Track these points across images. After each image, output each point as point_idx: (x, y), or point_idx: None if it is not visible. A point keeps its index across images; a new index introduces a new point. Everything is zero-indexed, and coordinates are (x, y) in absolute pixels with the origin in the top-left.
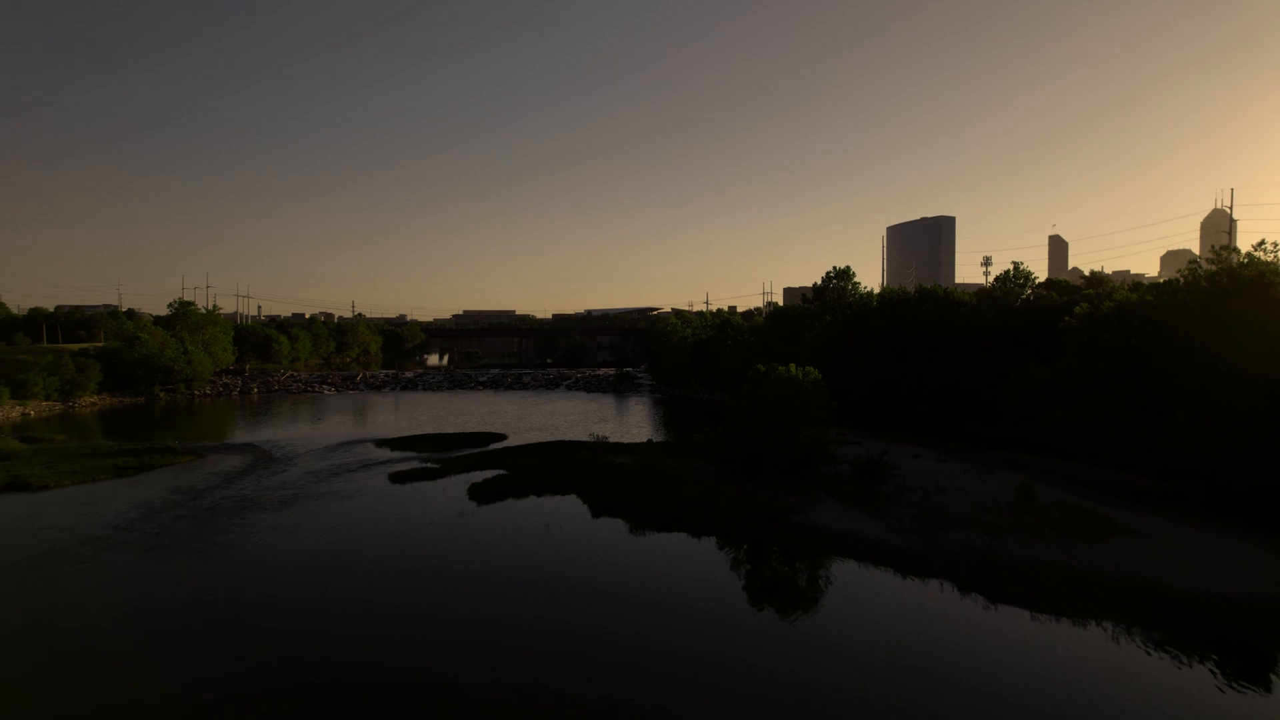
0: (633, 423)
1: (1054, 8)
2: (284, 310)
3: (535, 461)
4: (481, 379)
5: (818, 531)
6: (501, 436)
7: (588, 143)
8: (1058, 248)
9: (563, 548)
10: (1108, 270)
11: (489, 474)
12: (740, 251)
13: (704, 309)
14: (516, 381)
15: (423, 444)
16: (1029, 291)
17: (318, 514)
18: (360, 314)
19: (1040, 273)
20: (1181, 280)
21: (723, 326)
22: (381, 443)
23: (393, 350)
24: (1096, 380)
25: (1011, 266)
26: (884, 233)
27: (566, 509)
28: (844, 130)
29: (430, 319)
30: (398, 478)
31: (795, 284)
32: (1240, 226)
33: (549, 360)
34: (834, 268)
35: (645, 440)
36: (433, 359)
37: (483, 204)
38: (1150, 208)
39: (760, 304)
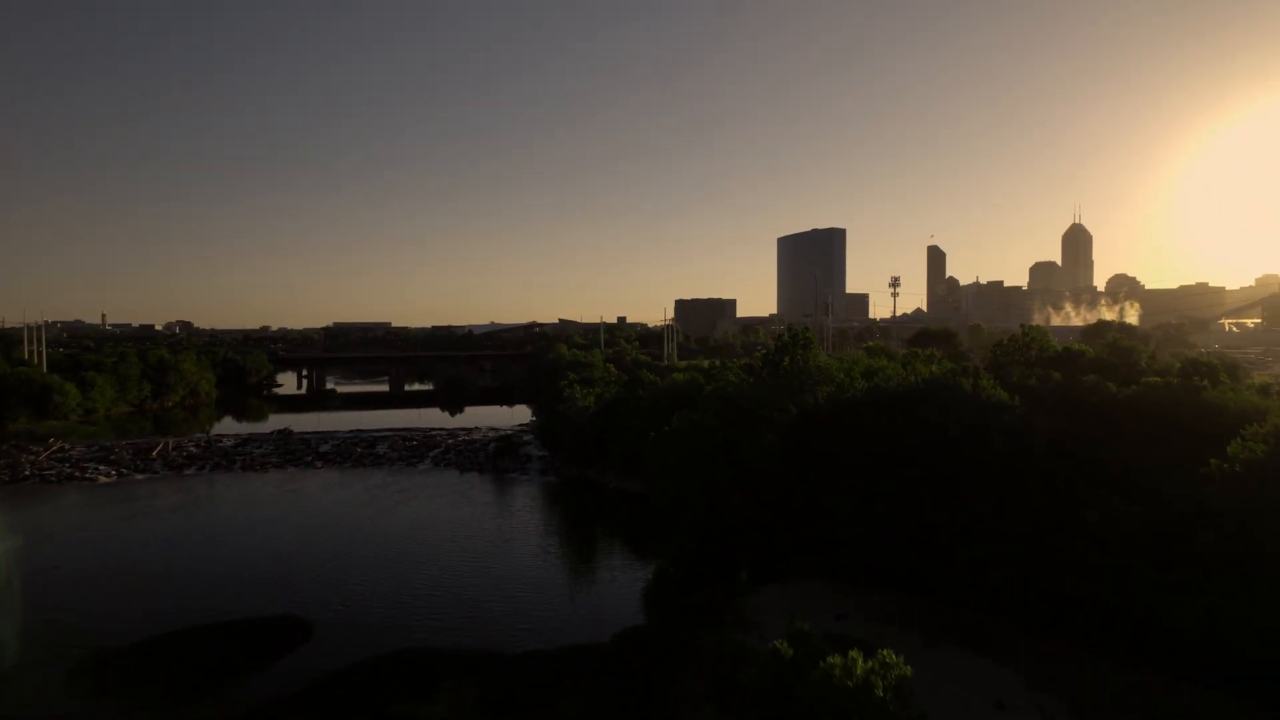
0: (519, 543)
1: (932, 32)
2: (130, 321)
3: None
4: (325, 448)
5: None
6: (299, 630)
7: (478, 148)
8: (936, 258)
9: None
10: (982, 280)
11: None
12: (633, 262)
13: (597, 321)
14: (369, 452)
15: (125, 673)
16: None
17: None
18: (187, 336)
19: (919, 283)
20: None
21: (632, 383)
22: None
23: (236, 384)
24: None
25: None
26: (775, 244)
27: None
28: (737, 141)
29: (301, 327)
30: None
31: (688, 295)
32: (1095, 240)
33: (424, 378)
34: (788, 329)
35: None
36: (290, 382)
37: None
38: (1020, 220)
39: (660, 318)
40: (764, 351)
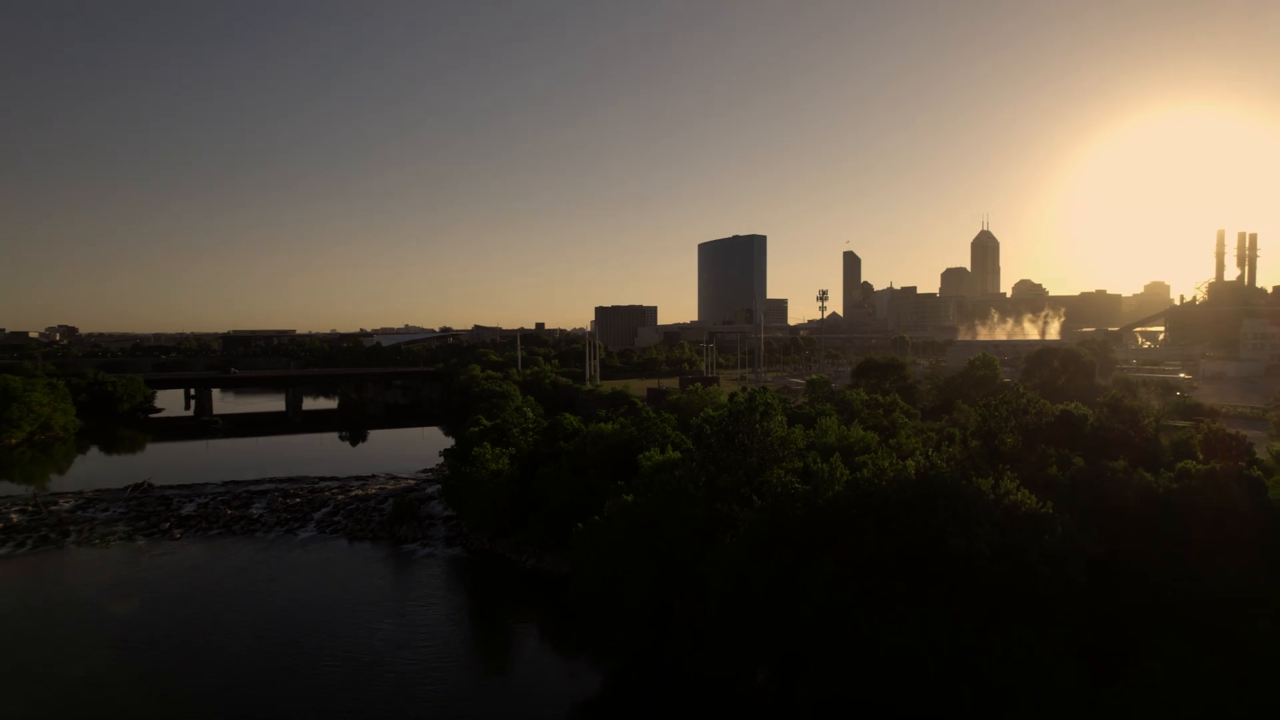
0: (415, 655)
1: (847, 46)
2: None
3: None
4: (188, 509)
5: None
6: None
7: (391, 149)
8: (851, 264)
9: None
10: (896, 285)
11: None
12: (553, 266)
13: (515, 328)
14: (241, 514)
15: None
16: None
17: None
18: (68, 345)
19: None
20: None
21: (553, 432)
22: None
23: (105, 410)
24: None
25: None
26: (696, 250)
27: None
28: (658, 147)
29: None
30: None
31: (609, 302)
32: (1002, 247)
33: (329, 392)
34: (743, 391)
35: None
36: (176, 402)
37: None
38: (931, 227)
39: (580, 322)
40: (712, 414)
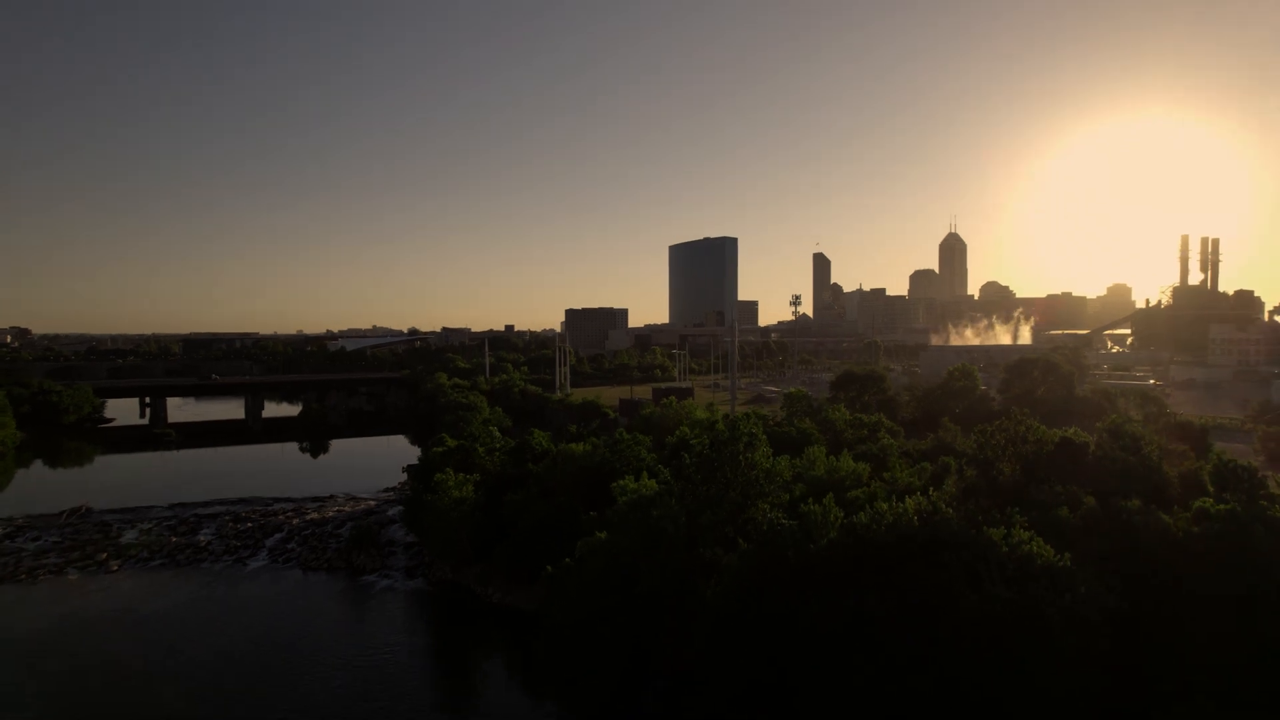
0: (364, 709)
1: (817, 48)
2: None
3: None
4: (129, 536)
5: None
6: None
7: (361, 149)
8: (821, 265)
9: None
10: (865, 288)
11: None
12: (523, 266)
13: (484, 330)
14: (187, 541)
15: None
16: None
17: None
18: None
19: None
20: None
21: (521, 450)
22: None
23: (50, 422)
24: None
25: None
26: (666, 251)
27: None
28: (630, 149)
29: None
30: None
31: (579, 304)
32: (970, 249)
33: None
34: (723, 419)
35: None
36: (130, 410)
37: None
38: (900, 229)
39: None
40: (688, 434)
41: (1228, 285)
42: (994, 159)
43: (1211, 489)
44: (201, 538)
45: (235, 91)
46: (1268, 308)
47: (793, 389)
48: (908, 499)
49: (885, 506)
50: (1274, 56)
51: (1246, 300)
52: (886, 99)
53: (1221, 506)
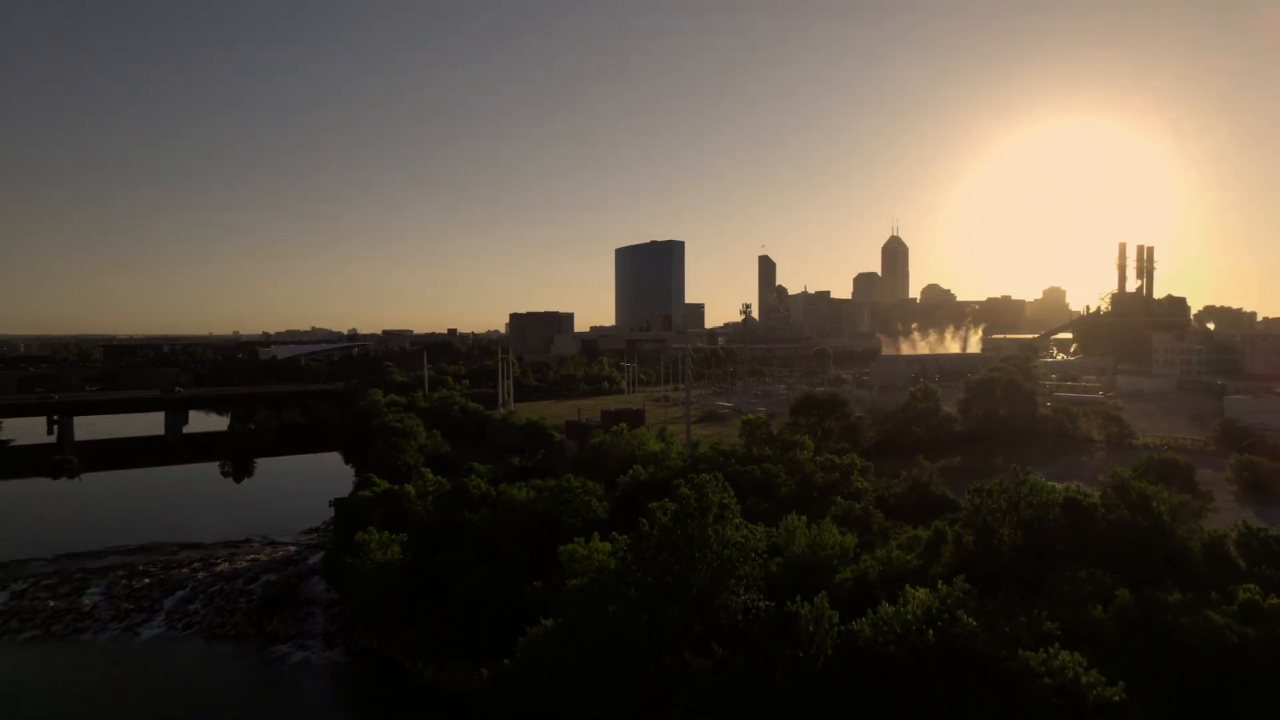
0: None
1: (762, 50)
2: None
3: None
4: (17, 589)
5: None
6: None
7: (307, 148)
8: (767, 268)
9: None
10: (810, 290)
11: None
12: (467, 268)
13: (425, 332)
14: (69, 609)
15: None
16: None
17: None
18: None
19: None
20: None
21: (456, 496)
22: None
23: None
24: None
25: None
26: (613, 253)
27: None
28: (576, 149)
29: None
30: None
31: (524, 307)
32: (911, 252)
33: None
34: (690, 485)
35: None
36: (37, 427)
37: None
38: (843, 231)
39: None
40: (654, 508)
41: (1159, 291)
42: (934, 161)
43: (1241, 563)
44: (87, 600)
45: (175, 87)
46: (1193, 312)
47: (748, 415)
48: (912, 596)
49: (890, 611)
50: (1202, 66)
51: (1178, 306)
52: (829, 101)
53: (1273, 600)
